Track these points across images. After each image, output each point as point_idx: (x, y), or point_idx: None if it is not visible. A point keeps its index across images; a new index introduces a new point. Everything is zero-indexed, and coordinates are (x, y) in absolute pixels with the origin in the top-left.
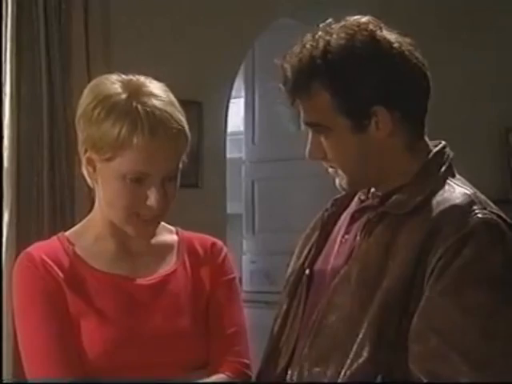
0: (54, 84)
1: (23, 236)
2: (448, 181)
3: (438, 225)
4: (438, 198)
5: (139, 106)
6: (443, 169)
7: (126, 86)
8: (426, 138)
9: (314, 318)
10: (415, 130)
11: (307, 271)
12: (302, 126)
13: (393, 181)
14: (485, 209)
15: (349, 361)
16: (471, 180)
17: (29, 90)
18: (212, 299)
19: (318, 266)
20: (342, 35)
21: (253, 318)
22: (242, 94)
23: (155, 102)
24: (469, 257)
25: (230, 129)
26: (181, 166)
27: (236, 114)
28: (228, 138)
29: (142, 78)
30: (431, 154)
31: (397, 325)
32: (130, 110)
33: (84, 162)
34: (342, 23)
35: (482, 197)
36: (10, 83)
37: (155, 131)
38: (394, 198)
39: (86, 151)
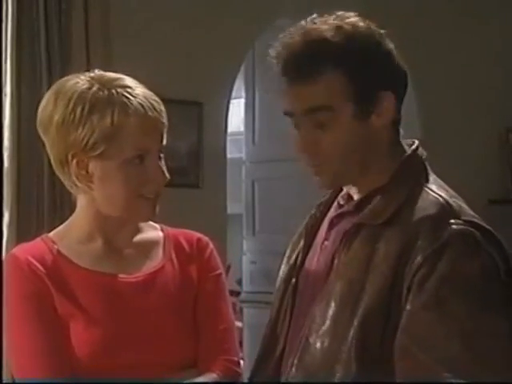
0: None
1: (23, 236)
2: (423, 186)
3: (413, 237)
4: (412, 206)
5: (120, 90)
6: (417, 173)
7: (90, 79)
8: (402, 140)
9: (300, 336)
10: (397, 127)
11: (293, 280)
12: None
13: (371, 181)
14: (459, 218)
15: (336, 380)
16: (472, 180)
17: (29, 91)
18: (200, 296)
19: (302, 273)
20: (348, 21)
21: (253, 318)
22: (243, 94)
23: (125, 83)
24: (445, 269)
25: (230, 129)
26: (164, 142)
27: (236, 115)
28: (228, 138)
29: (96, 71)
30: (405, 158)
31: (380, 340)
32: (113, 97)
33: (73, 168)
34: (338, 14)
35: (457, 203)
36: (11, 83)
37: (144, 107)
38: (369, 207)
39: (73, 157)
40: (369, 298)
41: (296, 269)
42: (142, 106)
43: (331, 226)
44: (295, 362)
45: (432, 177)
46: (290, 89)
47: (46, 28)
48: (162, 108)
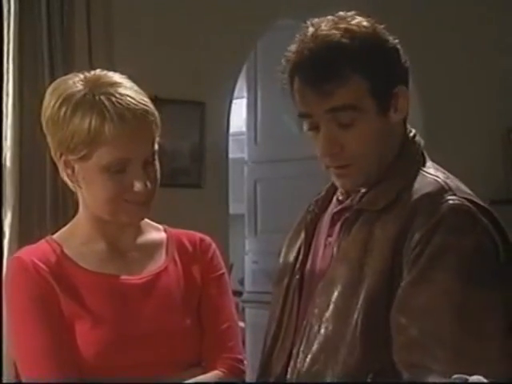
0: None
1: (25, 236)
2: (420, 171)
3: (410, 216)
4: (409, 190)
5: (102, 97)
6: (416, 159)
7: (85, 81)
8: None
9: (305, 322)
10: (406, 123)
11: (297, 276)
12: (305, 127)
13: (377, 174)
14: (455, 194)
15: (342, 362)
16: (474, 180)
17: (31, 91)
18: (204, 296)
19: (306, 269)
20: (355, 22)
21: (254, 318)
22: (245, 94)
23: (116, 89)
24: (439, 243)
25: (232, 129)
26: (157, 148)
27: (238, 115)
28: (230, 138)
29: (97, 71)
30: (403, 146)
31: (383, 320)
32: (95, 103)
33: (61, 166)
34: (344, 15)
35: (454, 182)
36: (13, 84)
37: (124, 117)
38: (367, 194)
39: (61, 155)
40: (370, 279)
41: (298, 265)
42: (121, 115)
43: (333, 222)
44: (301, 349)
45: (429, 162)
46: (310, 91)
47: (49, 29)
48: (151, 117)
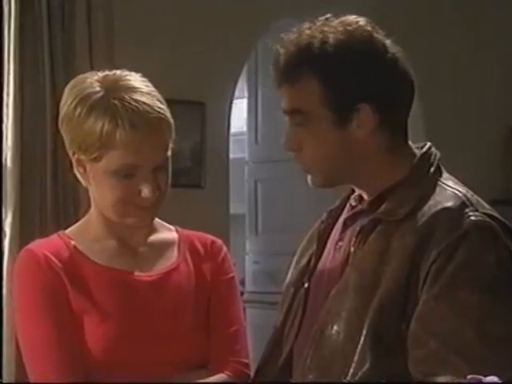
0: (57, 84)
1: (26, 236)
2: (438, 182)
3: (430, 229)
4: (429, 201)
5: (117, 102)
6: (432, 170)
7: (103, 82)
8: (410, 143)
9: (315, 328)
10: (397, 134)
11: (306, 284)
12: None
13: (378, 184)
14: (477, 210)
15: (352, 370)
16: (475, 180)
17: (32, 90)
18: (213, 298)
19: (315, 277)
20: (341, 29)
21: (256, 318)
22: (245, 94)
23: (132, 94)
24: (462, 259)
25: (233, 129)
26: (169, 154)
27: (239, 115)
28: (231, 138)
29: (118, 72)
30: (417, 157)
31: (395, 330)
32: (109, 107)
33: (74, 163)
34: (342, 19)
35: (474, 197)
36: (14, 83)
37: (136, 124)
38: (385, 204)
39: (74, 153)
40: (384, 287)
41: (308, 273)
42: (133, 122)
43: (345, 227)
44: (310, 353)
45: (446, 174)
46: (278, 88)
47: (49, 29)
48: (164, 124)
